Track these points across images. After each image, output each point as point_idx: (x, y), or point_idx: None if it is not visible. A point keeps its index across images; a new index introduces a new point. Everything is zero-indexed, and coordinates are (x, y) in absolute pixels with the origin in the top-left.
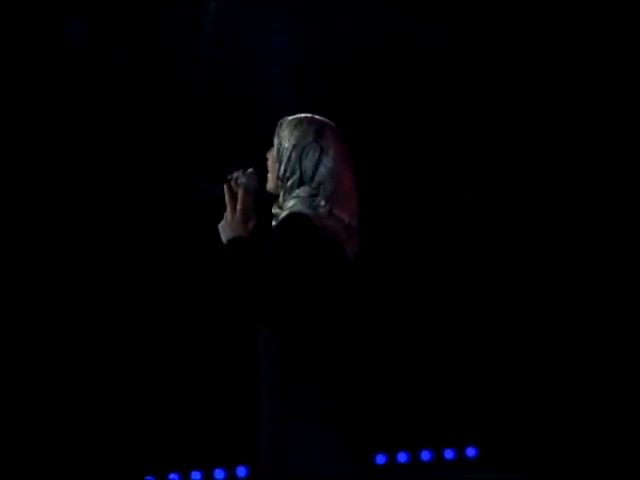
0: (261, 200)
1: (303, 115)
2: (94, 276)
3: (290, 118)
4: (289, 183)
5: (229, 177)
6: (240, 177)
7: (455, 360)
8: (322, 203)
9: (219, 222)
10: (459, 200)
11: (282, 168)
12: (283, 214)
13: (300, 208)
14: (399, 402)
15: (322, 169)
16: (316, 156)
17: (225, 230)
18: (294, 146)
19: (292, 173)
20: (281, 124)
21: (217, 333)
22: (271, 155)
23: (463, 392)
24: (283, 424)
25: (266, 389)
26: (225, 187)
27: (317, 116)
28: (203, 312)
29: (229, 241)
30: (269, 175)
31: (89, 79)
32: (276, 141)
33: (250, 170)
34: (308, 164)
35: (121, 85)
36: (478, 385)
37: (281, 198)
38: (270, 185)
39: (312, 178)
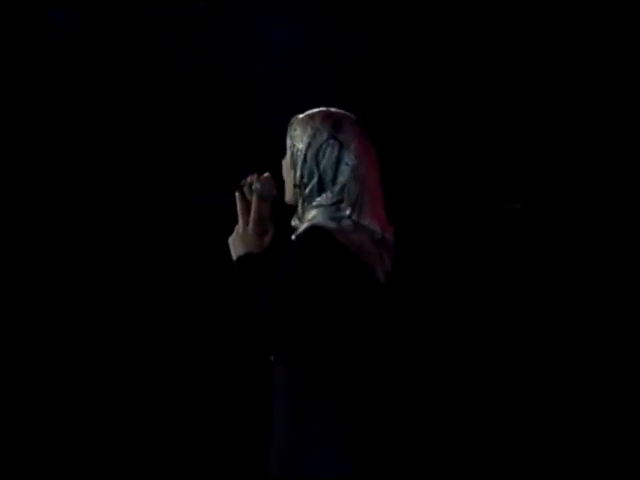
0: (279, 210)
1: (316, 110)
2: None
3: (301, 115)
4: (307, 190)
5: (241, 183)
6: (254, 183)
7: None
8: (347, 212)
9: (229, 235)
10: (502, 208)
11: (298, 173)
12: (302, 227)
13: (320, 220)
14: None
15: (343, 167)
16: (335, 153)
17: (236, 245)
18: (308, 145)
19: (310, 177)
20: (292, 123)
21: (224, 361)
22: (285, 161)
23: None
24: (296, 456)
25: (280, 422)
26: (237, 195)
27: (332, 108)
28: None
29: (240, 258)
30: (286, 185)
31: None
32: (289, 143)
33: (266, 175)
34: (327, 164)
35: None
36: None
37: (300, 208)
38: (288, 196)
39: (333, 180)
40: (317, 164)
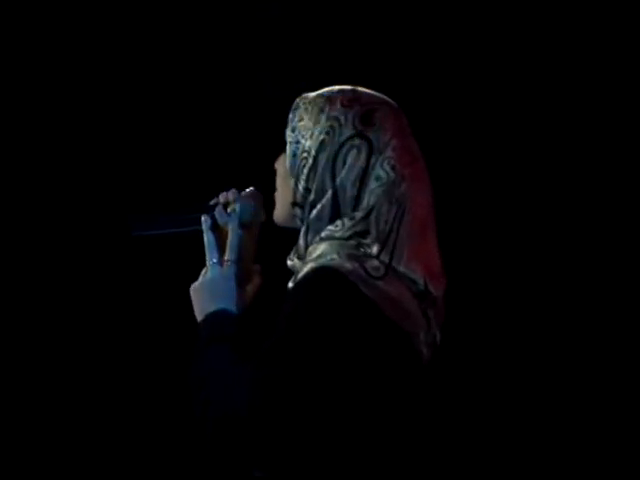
0: (269, 243)
1: (336, 88)
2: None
3: (313, 95)
4: (315, 212)
5: (212, 202)
6: (231, 203)
7: None
8: (374, 249)
9: (191, 282)
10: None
11: (301, 185)
12: (304, 270)
13: (335, 259)
14: None
15: (373, 183)
16: (362, 160)
17: (202, 297)
18: (321, 144)
19: (319, 194)
20: (297, 106)
21: None
22: (281, 163)
23: None
24: None
25: None
26: (204, 220)
27: (361, 88)
28: None
29: (209, 317)
30: (277, 197)
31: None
32: (290, 137)
33: (249, 190)
34: (348, 175)
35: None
36: None
37: (302, 240)
38: (281, 216)
39: (356, 201)
40: (332, 174)
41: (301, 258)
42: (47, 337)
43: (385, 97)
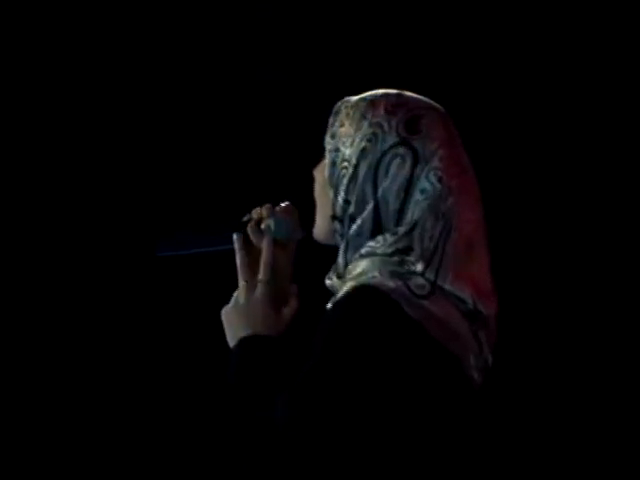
0: (307, 262)
1: (380, 92)
2: None
3: (355, 99)
4: (355, 227)
5: (245, 219)
6: (265, 219)
7: None
8: (419, 267)
9: (222, 305)
10: None
11: (340, 197)
12: (344, 289)
13: (376, 277)
14: None
15: (418, 195)
16: (406, 170)
17: (235, 321)
18: (362, 153)
19: (360, 207)
20: (338, 111)
21: None
22: (320, 172)
23: None
24: None
25: None
26: (236, 238)
27: (407, 93)
28: None
29: (242, 342)
30: (317, 211)
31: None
32: (329, 144)
33: (284, 205)
34: (390, 187)
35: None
36: None
37: (341, 257)
38: (321, 232)
39: (399, 216)
40: (374, 186)
41: (340, 277)
42: (80, 361)
43: (433, 103)
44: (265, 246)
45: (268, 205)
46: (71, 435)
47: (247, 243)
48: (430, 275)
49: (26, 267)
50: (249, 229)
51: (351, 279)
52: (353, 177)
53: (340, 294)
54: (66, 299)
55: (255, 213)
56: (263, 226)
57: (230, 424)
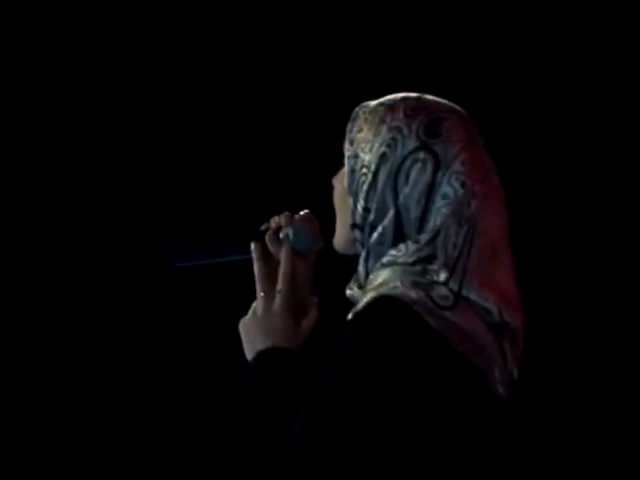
0: (327, 272)
1: (399, 95)
2: None
3: (374, 103)
4: (376, 235)
5: (262, 227)
6: (284, 227)
7: None
8: (442, 277)
9: (240, 317)
10: None
11: (360, 205)
12: (364, 300)
13: (398, 287)
14: None
15: (439, 201)
16: (427, 175)
17: (253, 333)
18: (381, 158)
19: (380, 214)
20: (356, 116)
21: None
22: (340, 180)
23: None
24: None
25: None
26: (254, 248)
27: (427, 96)
28: None
29: (260, 355)
30: (337, 220)
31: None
32: (348, 150)
33: (303, 213)
34: (411, 193)
35: None
36: None
37: (361, 266)
38: (341, 241)
39: (420, 223)
40: (395, 192)
41: (361, 287)
42: (96, 374)
43: (454, 105)
44: (283, 256)
45: (287, 213)
46: (88, 448)
47: (266, 253)
48: (454, 285)
49: (38, 278)
50: (267, 238)
51: (372, 289)
52: (373, 184)
53: (360, 305)
54: (81, 311)
55: (274, 222)
56: (281, 235)
57: (247, 437)
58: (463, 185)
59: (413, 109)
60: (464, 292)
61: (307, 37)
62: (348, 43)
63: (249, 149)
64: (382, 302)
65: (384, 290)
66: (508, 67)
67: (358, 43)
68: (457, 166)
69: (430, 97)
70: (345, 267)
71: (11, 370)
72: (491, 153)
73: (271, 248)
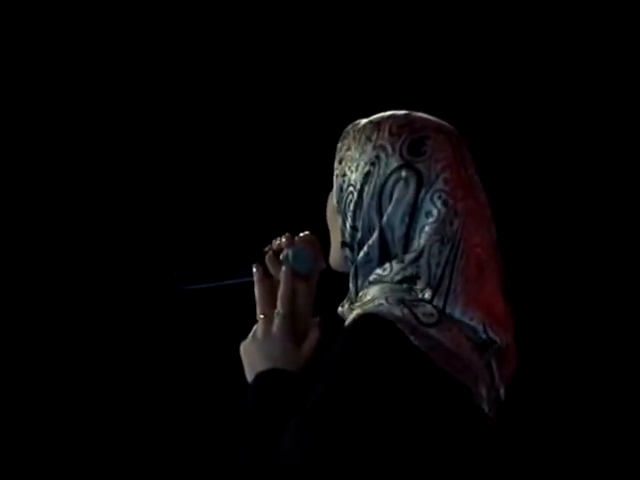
0: (329, 294)
1: (388, 114)
2: None
3: (363, 122)
4: (362, 254)
5: (266, 248)
6: (285, 249)
7: None
8: (427, 295)
9: (240, 340)
10: None
11: (348, 223)
12: (350, 317)
13: (382, 304)
14: None
15: (423, 220)
16: (409, 194)
17: (253, 356)
18: (366, 177)
19: (366, 233)
20: (346, 135)
21: None
22: (331, 201)
23: None
24: None
25: None
26: (255, 270)
27: (416, 113)
28: None
29: (260, 377)
30: (331, 238)
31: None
32: (337, 169)
33: (304, 234)
34: (395, 212)
35: None
36: None
37: (351, 283)
38: (333, 256)
39: (405, 242)
40: (379, 211)
41: (351, 302)
42: (100, 391)
43: (443, 123)
44: (283, 278)
45: (288, 235)
46: (94, 456)
47: (267, 275)
48: (438, 303)
49: (45, 297)
50: (267, 259)
51: (359, 306)
52: (359, 202)
53: (347, 322)
54: (85, 331)
55: (275, 243)
56: (281, 256)
57: (242, 455)
58: (445, 203)
59: (399, 127)
60: (449, 310)
61: (335, 59)
62: (373, 64)
63: (257, 172)
64: (366, 319)
65: (369, 307)
66: (506, 72)
67: (384, 66)
68: (440, 184)
69: (418, 114)
70: (346, 287)
71: (15, 384)
72: (487, 159)
73: (272, 270)
